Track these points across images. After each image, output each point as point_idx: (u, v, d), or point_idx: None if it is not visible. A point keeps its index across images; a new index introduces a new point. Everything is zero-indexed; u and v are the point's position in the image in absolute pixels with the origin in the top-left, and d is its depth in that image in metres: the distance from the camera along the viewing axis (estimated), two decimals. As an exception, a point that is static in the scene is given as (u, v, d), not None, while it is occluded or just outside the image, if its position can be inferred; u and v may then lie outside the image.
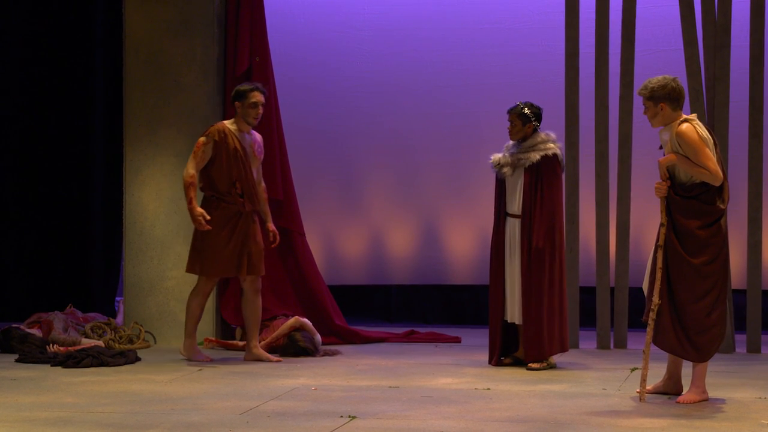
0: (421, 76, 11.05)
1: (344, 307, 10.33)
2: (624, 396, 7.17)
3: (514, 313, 8.30)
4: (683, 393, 7.03)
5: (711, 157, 6.85)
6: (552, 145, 8.26)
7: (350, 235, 11.27)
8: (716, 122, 9.28)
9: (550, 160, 8.21)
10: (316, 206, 11.10)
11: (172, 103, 9.77)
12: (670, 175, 6.95)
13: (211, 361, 8.67)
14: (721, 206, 6.90)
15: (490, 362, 8.41)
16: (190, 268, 8.65)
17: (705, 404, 6.87)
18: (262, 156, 8.84)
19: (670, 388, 7.15)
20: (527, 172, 8.22)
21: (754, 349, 9.27)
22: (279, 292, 9.81)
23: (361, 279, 11.32)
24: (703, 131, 6.90)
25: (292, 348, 9.02)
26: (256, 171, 8.78)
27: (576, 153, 9.56)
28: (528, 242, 8.19)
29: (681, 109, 6.96)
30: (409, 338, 10.03)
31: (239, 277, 8.70)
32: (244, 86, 8.72)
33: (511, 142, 8.38)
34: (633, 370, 8.14)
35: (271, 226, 8.87)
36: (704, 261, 6.85)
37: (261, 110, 8.68)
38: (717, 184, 6.86)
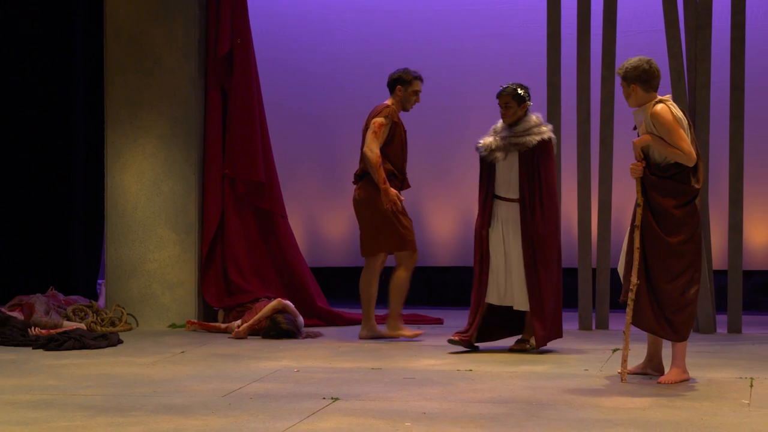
0: (403, 58, 10.97)
1: (327, 289, 10.33)
2: (606, 377, 7.20)
3: (505, 296, 8.18)
4: (664, 373, 7.07)
5: (685, 137, 6.88)
6: (545, 128, 8.24)
7: (333, 218, 11.26)
8: (697, 103, 9.30)
9: (546, 144, 8.19)
10: (298, 188, 11.08)
11: (154, 85, 9.74)
12: (645, 156, 6.98)
13: (398, 338, 8.87)
14: (696, 186, 6.94)
15: (461, 337, 8.20)
16: (371, 250, 8.91)
17: (686, 384, 6.91)
18: None
19: (652, 369, 7.18)
20: (523, 156, 8.15)
21: (734, 329, 9.31)
22: (261, 274, 9.80)
23: (344, 261, 11.32)
24: (678, 112, 6.93)
25: (274, 330, 9.02)
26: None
27: (558, 134, 9.55)
28: (529, 228, 8.10)
29: (655, 91, 6.98)
30: (392, 320, 10.02)
31: (394, 253, 8.97)
32: (409, 73, 8.94)
33: (499, 125, 8.29)
34: (615, 350, 8.17)
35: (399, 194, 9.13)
36: (680, 240, 6.89)
37: (419, 99, 8.98)
38: (690, 164, 6.89)
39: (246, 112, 9.78)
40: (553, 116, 9.54)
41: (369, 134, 8.82)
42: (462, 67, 10.80)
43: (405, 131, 9.00)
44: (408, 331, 8.95)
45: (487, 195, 8.24)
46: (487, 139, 8.24)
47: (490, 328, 8.32)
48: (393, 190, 8.78)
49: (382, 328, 8.97)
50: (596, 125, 9.61)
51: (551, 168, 8.18)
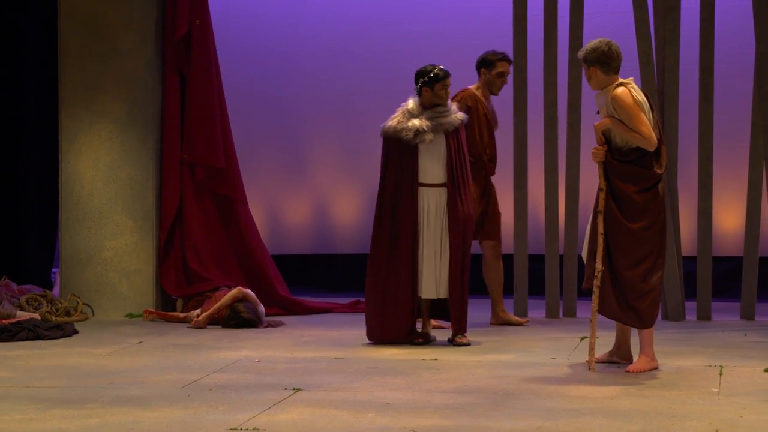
0: (366, 39, 11.01)
1: (288, 277, 10.30)
2: (573, 365, 7.22)
3: (433, 288, 8.03)
4: (633, 362, 7.10)
5: (645, 122, 6.90)
6: (454, 106, 8.22)
7: (294, 203, 11.24)
8: (666, 86, 9.32)
9: (462, 123, 8.17)
10: (259, 173, 11.05)
11: (109, 68, 9.67)
12: (607, 140, 7.00)
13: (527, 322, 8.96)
14: (659, 171, 6.97)
15: (398, 339, 8.03)
16: (482, 236, 8.89)
17: (655, 373, 6.94)
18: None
19: (620, 357, 7.21)
20: (449, 137, 8.06)
21: (704, 316, 9.36)
22: (221, 262, 9.78)
23: (306, 248, 11.30)
24: (639, 95, 6.96)
25: (234, 319, 9.00)
26: None
27: (524, 118, 9.57)
28: (459, 212, 7.96)
29: (616, 73, 7.00)
30: (355, 308, 10.02)
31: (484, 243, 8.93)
32: (492, 54, 8.83)
33: (412, 105, 8.06)
34: (582, 339, 8.20)
35: (494, 191, 9.03)
36: (642, 226, 6.93)
37: (506, 80, 8.86)
38: (651, 149, 6.92)
39: (205, 96, 9.73)
40: (520, 100, 9.54)
41: None
42: (426, 50, 10.76)
43: (488, 114, 8.84)
44: (515, 318, 9.04)
45: (412, 182, 8.00)
46: (414, 121, 8.00)
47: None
48: None
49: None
50: (563, 109, 9.61)
51: (466, 148, 8.19)
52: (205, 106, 9.73)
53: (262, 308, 9.20)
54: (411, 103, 8.11)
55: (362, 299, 10.23)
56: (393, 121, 8.07)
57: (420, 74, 8.14)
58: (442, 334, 8.27)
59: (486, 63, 8.87)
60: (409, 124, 8.02)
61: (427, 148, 8.02)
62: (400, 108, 8.13)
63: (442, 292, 8.05)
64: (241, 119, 10.65)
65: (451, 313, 8.10)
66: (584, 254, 7.21)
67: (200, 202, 9.78)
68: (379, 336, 8.10)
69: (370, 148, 10.98)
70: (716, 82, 9.39)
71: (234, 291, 9.17)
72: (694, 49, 9.46)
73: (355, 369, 7.11)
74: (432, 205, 8.04)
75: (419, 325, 8.21)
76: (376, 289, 8.07)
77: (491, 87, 8.87)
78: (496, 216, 8.96)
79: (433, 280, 8.02)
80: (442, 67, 8.14)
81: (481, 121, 8.83)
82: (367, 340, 8.18)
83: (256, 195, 10.85)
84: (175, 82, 9.77)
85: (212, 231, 9.79)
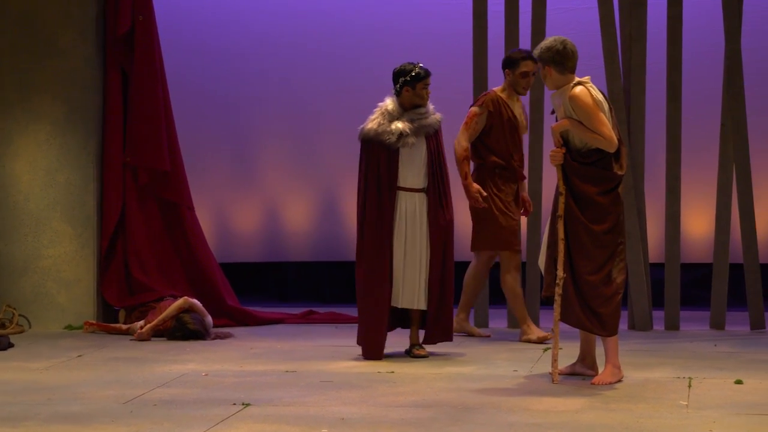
0: (318, 36, 11.00)
1: (237, 286, 10.28)
2: (536, 377, 7.25)
3: (413, 298, 8.02)
4: (598, 373, 7.13)
5: (605, 122, 6.95)
6: (431, 107, 8.23)
7: (243, 209, 11.22)
8: (632, 85, 9.38)
9: (440, 125, 8.20)
10: (206, 177, 11.02)
11: (47, 66, 9.62)
12: (565, 142, 7.04)
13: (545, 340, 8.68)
14: (619, 172, 7.03)
15: (373, 357, 7.97)
16: (472, 245, 8.86)
17: (621, 385, 6.97)
18: (528, 123, 9.03)
19: (585, 368, 7.24)
20: (430, 140, 8.07)
21: (672, 326, 9.42)
22: (166, 270, 9.75)
23: (256, 256, 11.28)
24: (598, 94, 7.01)
25: (180, 331, 8.98)
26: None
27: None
28: (439, 218, 8.01)
29: (572, 73, 7.04)
30: (307, 319, 10.03)
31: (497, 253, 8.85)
32: (516, 53, 8.76)
33: (392, 107, 8.03)
34: (545, 350, 8.23)
35: (526, 195, 8.97)
36: (605, 228, 6.99)
37: (532, 79, 8.76)
38: (611, 150, 6.97)
39: (149, 96, 9.69)
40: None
41: (462, 125, 8.73)
42: (381, 47, 10.80)
43: (513, 117, 8.76)
44: (535, 333, 8.76)
45: (391, 187, 7.99)
46: (397, 124, 7.97)
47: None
48: (475, 186, 8.60)
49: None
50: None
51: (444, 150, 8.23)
52: (149, 107, 9.69)
53: (209, 319, 9.17)
54: (390, 104, 8.07)
55: (315, 309, 10.27)
56: (373, 124, 8.03)
57: (400, 73, 8.12)
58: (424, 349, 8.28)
59: (510, 63, 8.77)
60: (392, 127, 7.99)
61: (408, 152, 8.02)
62: (377, 109, 8.09)
63: (422, 303, 8.03)
64: (187, 120, 10.62)
65: (428, 323, 8.09)
66: (542, 262, 7.24)
67: (144, 208, 9.74)
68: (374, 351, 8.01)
69: (324, 151, 10.99)
70: (684, 80, 9.46)
71: (180, 301, 9.14)
72: (662, 46, 9.53)
73: (308, 382, 7.10)
74: (411, 211, 8.04)
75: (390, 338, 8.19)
76: (367, 297, 8.00)
77: (516, 88, 8.77)
78: (497, 226, 8.80)
79: (412, 289, 8.01)
80: (422, 65, 8.14)
81: (504, 125, 8.75)
82: (319, 356, 8.18)
83: (204, 200, 10.82)
84: (117, 81, 9.73)
85: (157, 238, 9.75)
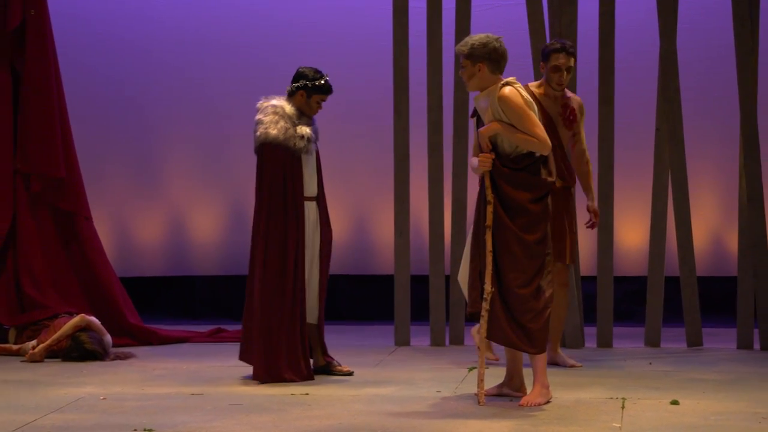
0: (228, 34, 10.97)
1: (139, 303, 10.22)
2: (461, 399, 7.27)
3: (312, 311, 8.09)
4: (526, 394, 7.16)
5: (538, 122, 7.01)
6: None
7: (146, 219, 11.16)
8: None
9: None
10: (104, 185, 10.95)
11: (-74, 64, 9.54)
12: (493, 147, 7.06)
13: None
14: (550, 179, 7.07)
15: (296, 379, 7.92)
16: None
17: (550, 406, 7.01)
18: (575, 122, 8.49)
19: (512, 389, 7.28)
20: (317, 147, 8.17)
21: (604, 343, 9.48)
22: (61, 286, 9.67)
23: (159, 269, 11.23)
24: (527, 95, 7.06)
25: (76, 351, 8.91)
26: (575, 141, 8.51)
27: (406, 123, 9.62)
28: (326, 229, 8.10)
29: (501, 74, 7.08)
30: (216, 337, 10.00)
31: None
32: (549, 44, 8.45)
33: (289, 109, 8.02)
34: (471, 369, 8.25)
35: (593, 205, 8.61)
36: (537, 238, 7.04)
37: (566, 75, 8.36)
38: (546, 152, 7.02)
39: (42, 96, 9.63)
40: (401, 102, 9.59)
41: None
42: (299, 46, 10.79)
43: (547, 114, 8.33)
44: (564, 360, 8.53)
45: (295, 195, 7.97)
46: (305, 129, 7.99)
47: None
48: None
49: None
50: (449, 112, 9.69)
51: None
52: (43, 108, 9.63)
53: (108, 338, 9.11)
54: (287, 107, 8.06)
55: (224, 327, 10.23)
56: (275, 128, 7.99)
57: (302, 76, 8.11)
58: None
59: (543, 56, 8.48)
60: (300, 131, 8.00)
61: (306, 159, 8.04)
62: (272, 112, 8.04)
63: (314, 317, 8.09)
64: (84, 123, 10.55)
65: (319, 339, 8.14)
66: (462, 277, 7.26)
67: (37, 218, 9.66)
68: (273, 375, 7.94)
69: (234, 158, 10.95)
70: (617, 82, 9.54)
71: (76, 319, 9.08)
72: (593, 45, 9.61)
73: (215, 406, 7.07)
74: (311, 221, 8.08)
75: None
76: (267, 318, 7.94)
77: (550, 82, 8.45)
78: (564, 236, 8.52)
79: (311, 303, 8.07)
80: (328, 79, 8.10)
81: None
82: (237, 377, 8.14)
83: (102, 209, 10.75)
84: (6, 80, 9.66)
85: (51, 251, 9.67)
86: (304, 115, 8.09)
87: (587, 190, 8.61)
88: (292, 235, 7.95)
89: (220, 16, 10.98)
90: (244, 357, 8.10)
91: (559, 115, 8.45)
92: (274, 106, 8.05)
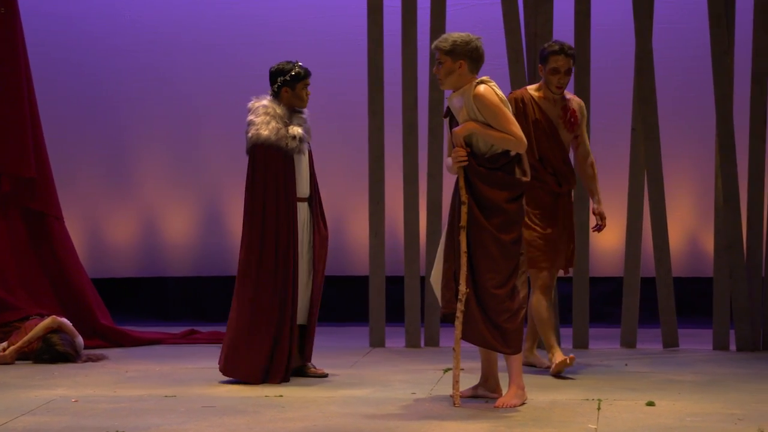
0: (201, 33, 10.95)
1: (111, 304, 10.19)
2: (436, 400, 7.27)
3: (302, 312, 8.09)
4: (502, 395, 7.16)
5: (514, 120, 7.02)
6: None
7: (118, 220, 11.12)
8: (538, 87, 9.45)
9: None
10: (76, 185, 10.92)
11: None
12: (468, 146, 7.06)
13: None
14: (525, 179, 7.08)
15: (279, 381, 7.92)
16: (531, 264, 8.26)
17: (526, 407, 7.02)
18: (576, 124, 8.38)
19: (487, 391, 7.28)
20: (309, 147, 8.16)
21: (580, 344, 9.50)
22: (32, 287, 9.64)
23: (132, 270, 11.20)
24: (501, 93, 7.06)
25: (48, 353, 8.88)
26: (577, 143, 8.41)
27: (381, 123, 9.62)
28: (321, 230, 8.11)
29: (476, 75, 7.08)
30: (188, 339, 9.99)
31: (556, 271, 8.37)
32: (547, 45, 8.32)
33: (279, 110, 8.02)
34: (446, 370, 8.26)
35: (600, 208, 8.46)
36: (513, 238, 7.05)
37: (565, 78, 8.25)
38: (522, 150, 7.03)
39: (12, 94, 9.60)
40: (376, 101, 9.59)
41: None
42: (270, 45, 10.78)
43: (545, 118, 8.27)
44: (540, 361, 8.46)
45: (290, 196, 7.98)
46: (296, 129, 8.00)
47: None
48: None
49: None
50: (424, 112, 9.69)
51: None
52: (13, 107, 9.60)
53: (80, 340, 9.09)
54: (278, 108, 8.03)
55: (197, 328, 10.22)
56: (268, 129, 7.97)
57: (277, 73, 8.10)
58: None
59: (541, 58, 8.37)
60: (292, 131, 7.99)
61: (299, 159, 8.04)
62: (263, 112, 8.02)
63: (303, 318, 8.09)
64: (55, 123, 10.52)
65: (308, 341, 8.14)
66: (434, 278, 7.25)
67: (7, 218, 9.63)
68: (254, 375, 7.92)
69: (207, 157, 10.94)
70: (593, 82, 9.56)
71: (47, 320, 9.05)
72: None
73: (188, 408, 7.05)
74: (304, 223, 8.08)
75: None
76: (257, 318, 7.92)
77: (549, 86, 8.35)
78: (572, 242, 8.46)
79: (302, 303, 8.06)
80: (301, 64, 8.11)
81: (530, 127, 8.24)
82: (207, 378, 8.13)
83: (74, 209, 10.72)
84: (-23, 79, 9.62)
85: (21, 251, 9.64)
86: (296, 111, 8.07)
87: (593, 193, 8.52)
88: (285, 236, 7.94)
89: (194, 15, 10.95)
90: (229, 371, 8.01)
91: (559, 118, 8.36)
92: (265, 106, 8.04)
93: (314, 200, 8.15)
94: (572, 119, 8.37)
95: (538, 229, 8.30)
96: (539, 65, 8.39)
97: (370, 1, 9.63)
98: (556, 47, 8.28)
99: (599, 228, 8.52)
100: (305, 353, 8.16)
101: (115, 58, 10.96)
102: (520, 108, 8.27)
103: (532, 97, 8.32)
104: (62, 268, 9.76)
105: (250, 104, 8.12)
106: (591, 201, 8.59)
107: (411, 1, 9.60)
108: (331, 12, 10.84)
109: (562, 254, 8.39)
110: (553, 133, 8.31)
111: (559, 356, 8.16)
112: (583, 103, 8.51)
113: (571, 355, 8.19)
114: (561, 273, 8.52)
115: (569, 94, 8.45)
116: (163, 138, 11.04)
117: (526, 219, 8.11)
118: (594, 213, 8.51)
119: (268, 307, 7.92)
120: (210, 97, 10.88)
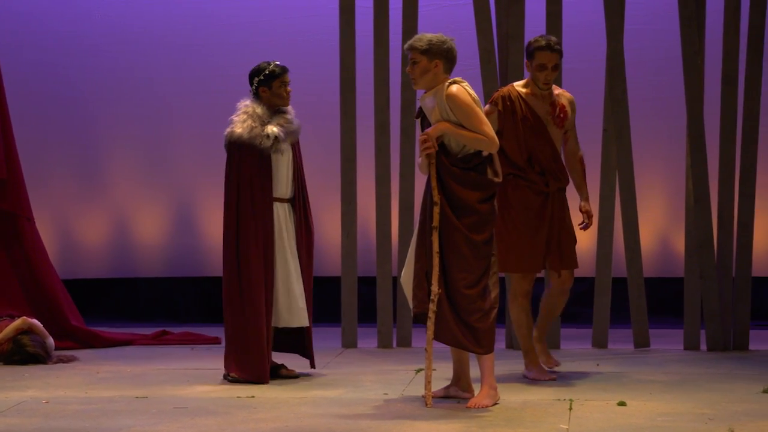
0: (174, 32, 10.93)
1: (82, 305, 10.17)
2: (408, 401, 7.28)
3: (287, 315, 8.07)
4: (474, 395, 7.19)
5: (486, 120, 7.05)
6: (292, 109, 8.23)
7: (89, 220, 11.10)
8: (510, 88, 9.48)
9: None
10: (47, 185, 10.88)
11: None
12: (440, 146, 7.08)
13: (554, 379, 8.09)
14: (497, 179, 7.11)
15: (262, 380, 7.94)
16: (503, 267, 8.10)
17: (498, 408, 7.04)
18: (566, 119, 8.22)
19: (459, 391, 7.30)
20: (295, 146, 8.13)
21: (552, 344, 9.49)
22: (2, 288, 9.61)
23: (103, 271, 11.17)
24: (474, 93, 7.09)
25: (18, 354, 8.86)
26: (565, 138, 8.25)
27: (353, 123, 9.63)
28: (306, 230, 8.12)
29: (450, 75, 7.11)
30: (160, 340, 9.97)
31: (551, 272, 8.22)
32: (533, 41, 8.14)
33: (258, 109, 8.01)
34: (418, 371, 8.27)
35: (587, 205, 8.29)
36: (485, 239, 7.07)
37: (553, 74, 8.08)
38: (494, 150, 7.07)
39: (-17, 95, 9.57)
40: (347, 102, 9.60)
41: None
42: (242, 45, 10.78)
43: (532, 115, 8.10)
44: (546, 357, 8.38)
45: (266, 196, 7.98)
46: (272, 128, 7.99)
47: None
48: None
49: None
50: (396, 112, 9.71)
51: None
52: (-17, 108, 9.57)
53: (51, 341, 9.07)
54: (258, 107, 8.03)
55: (169, 329, 10.21)
56: (243, 128, 7.97)
57: (254, 73, 8.10)
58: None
59: (528, 53, 8.21)
60: (267, 130, 7.98)
61: (278, 159, 8.03)
62: (241, 112, 8.03)
63: (298, 320, 8.07)
64: (25, 123, 10.48)
65: (307, 343, 8.19)
66: (405, 279, 7.27)
67: (-24, 220, 9.60)
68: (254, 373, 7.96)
69: (179, 158, 10.92)
70: (564, 82, 9.58)
71: (17, 322, 9.03)
72: (541, 46, 9.64)
73: (160, 409, 7.05)
74: (282, 223, 8.05)
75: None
76: (253, 317, 7.94)
77: (536, 82, 8.15)
78: (565, 240, 8.24)
79: (286, 306, 8.03)
80: (278, 63, 8.12)
81: (518, 124, 8.12)
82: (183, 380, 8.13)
83: (45, 210, 10.69)
84: (-54, 79, 9.59)
85: (-9, 252, 9.62)
86: (280, 111, 8.08)
87: (580, 189, 8.38)
88: (260, 237, 7.94)
89: (166, 15, 10.94)
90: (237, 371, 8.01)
91: (548, 114, 8.22)
92: (246, 106, 8.06)
93: (298, 201, 8.12)
94: (561, 114, 8.25)
95: (525, 232, 8.13)
96: (526, 61, 8.24)
97: (342, 2, 9.64)
98: (543, 43, 8.13)
99: (586, 226, 8.40)
100: (309, 357, 8.20)
101: (87, 58, 10.93)
102: (508, 105, 8.14)
103: (519, 93, 8.18)
104: (33, 269, 9.73)
105: (237, 105, 8.15)
106: (579, 197, 8.38)
107: (383, 2, 9.61)
108: (304, 12, 10.84)
109: (554, 255, 8.19)
110: (541, 130, 8.18)
111: (537, 361, 8.19)
112: (573, 98, 8.37)
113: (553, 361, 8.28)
114: (561, 273, 8.32)
115: (558, 89, 8.32)
116: (134, 138, 11.02)
117: (511, 223, 8.08)
118: (581, 210, 8.35)
119: (245, 306, 7.92)
120: (182, 97, 10.86)
